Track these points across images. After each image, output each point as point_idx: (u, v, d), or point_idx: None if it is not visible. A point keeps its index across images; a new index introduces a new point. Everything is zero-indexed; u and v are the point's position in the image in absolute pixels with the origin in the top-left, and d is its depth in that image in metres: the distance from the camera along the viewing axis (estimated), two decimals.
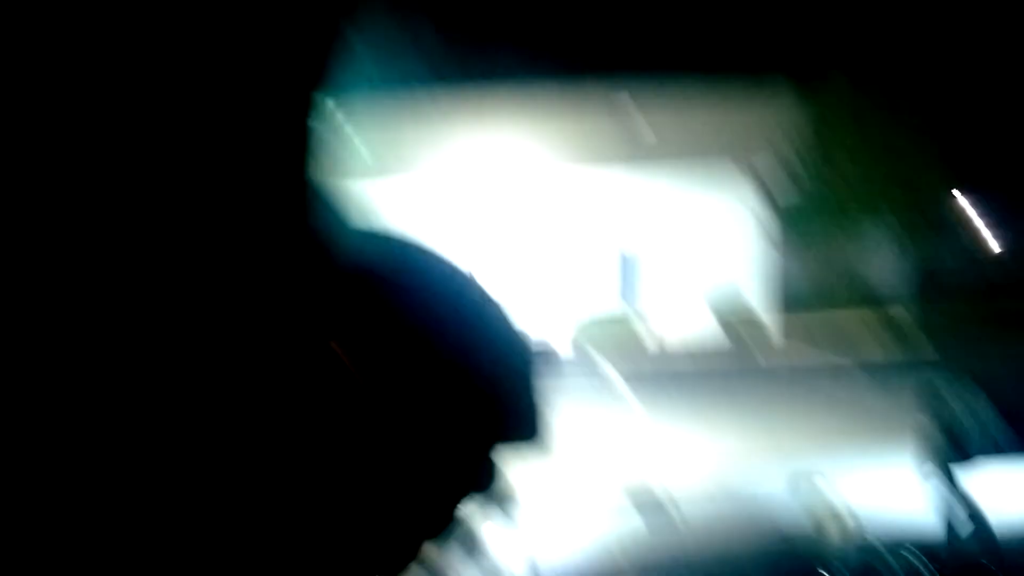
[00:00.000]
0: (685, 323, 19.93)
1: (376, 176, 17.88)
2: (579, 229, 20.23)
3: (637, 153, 19.73)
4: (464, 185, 19.85)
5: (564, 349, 19.27)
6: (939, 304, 19.99)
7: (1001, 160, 20.32)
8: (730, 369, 16.57)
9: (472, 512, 0.87)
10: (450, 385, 0.84)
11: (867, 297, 19.67)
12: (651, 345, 19.70)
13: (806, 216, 19.82)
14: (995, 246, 21.64)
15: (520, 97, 19.55)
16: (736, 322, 19.96)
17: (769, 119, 19.43)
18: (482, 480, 0.86)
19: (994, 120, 19.73)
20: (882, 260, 21.71)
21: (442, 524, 0.86)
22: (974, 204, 21.88)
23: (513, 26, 20.15)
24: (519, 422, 0.89)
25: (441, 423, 0.83)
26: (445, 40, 19.26)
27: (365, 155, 17.68)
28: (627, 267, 20.63)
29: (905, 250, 20.96)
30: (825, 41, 19.26)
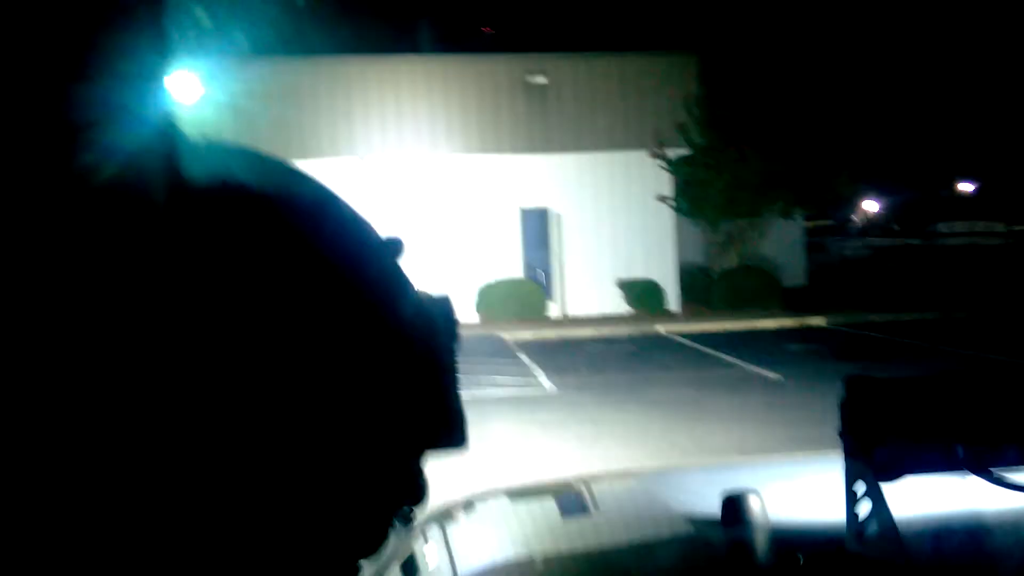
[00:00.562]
0: (590, 293, 20.92)
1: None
2: (485, 199, 21.06)
3: (549, 143, 20.65)
4: (372, 164, 20.63)
5: (468, 314, 19.98)
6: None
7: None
8: (633, 339, 16.79)
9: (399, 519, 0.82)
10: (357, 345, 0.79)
11: (764, 274, 21.00)
12: (554, 313, 20.41)
13: (703, 194, 21.22)
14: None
15: (430, 69, 20.53)
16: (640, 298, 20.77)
17: (671, 97, 20.88)
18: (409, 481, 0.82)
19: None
20: (775, 238, 23.08)
21: (376, 534, 0.81)
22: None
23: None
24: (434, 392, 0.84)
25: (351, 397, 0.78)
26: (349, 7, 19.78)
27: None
28: (533, 235, 21.36)
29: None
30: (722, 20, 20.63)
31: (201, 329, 0.69)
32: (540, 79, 21.18)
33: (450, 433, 0.87)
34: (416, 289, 0.85)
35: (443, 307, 0.85)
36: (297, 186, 0.82)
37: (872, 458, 1.37)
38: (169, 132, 0.74)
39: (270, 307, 0.72)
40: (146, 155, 0.71)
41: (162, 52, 0.75)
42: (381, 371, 0.78)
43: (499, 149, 21.21)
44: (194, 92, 16.74)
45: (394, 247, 0.85)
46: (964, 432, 1.40)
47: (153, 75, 0.72)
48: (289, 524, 0.74)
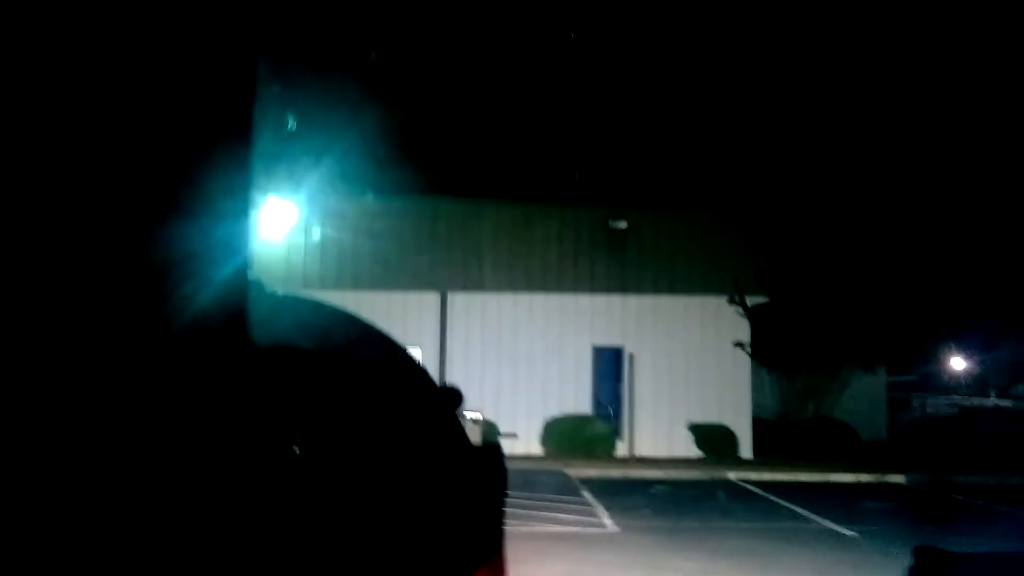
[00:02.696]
0: (659, 434, 20.52)
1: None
2: (560, 336, 21.29)
3: (626, 284, 20.73)
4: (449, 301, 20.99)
5: (533, 447, 19.72)
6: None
7: None
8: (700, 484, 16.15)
9: None
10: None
11: (842, 426, 20.30)
12: (621, 452, 20.01)
13: (781, 343, 21.18)
14: None
15: (516, 212, 21.15)
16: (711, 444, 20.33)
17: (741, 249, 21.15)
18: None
19: None
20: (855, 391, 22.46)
21: None
22: None
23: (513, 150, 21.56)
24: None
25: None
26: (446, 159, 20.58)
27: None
28: (605, 373, 21.24)
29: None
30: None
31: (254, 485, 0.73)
32: (621, 224, 21.52)
33: None
34: (469, 441, 0.89)
35: (495, 458, 0.88)
36: (361, 343, 0.87)
37: None
38: (245, 284, 0.79)
39: (326, 464, 0.76)
40: (223, 305, 0.76)
41: (249, 191, 0.82)
42: (432, 522, 0.81)
43: (577, 288, 21.45)
44: (292, 226, 17.47)
45: (453, 398, 0.90)
46: None
47: (241, 213, 0.78)
48: None
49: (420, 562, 0.80)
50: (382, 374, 0.85)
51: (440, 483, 0.84)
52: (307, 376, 0.81)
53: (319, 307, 0.88)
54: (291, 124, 14.40)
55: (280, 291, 0.88)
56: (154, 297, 0.72)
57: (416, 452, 0.84)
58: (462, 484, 0.85)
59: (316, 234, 19.93)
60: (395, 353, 0.91)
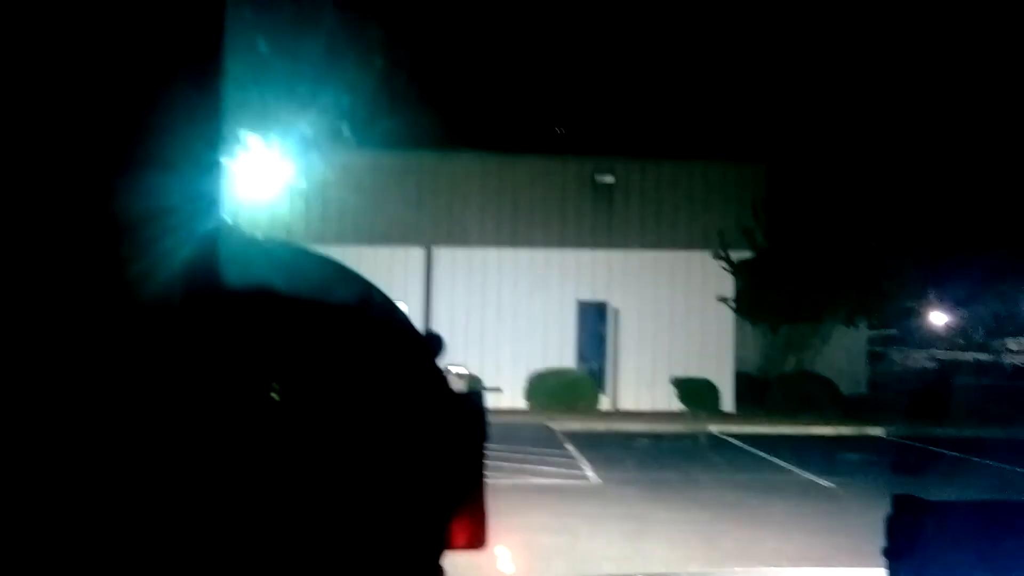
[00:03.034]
0: (642, 388, 20.71)
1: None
2: (545, 291, 21.28)
3: (612, 239, 20.83)
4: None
5: (517, 401, 19.95)
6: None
7: None
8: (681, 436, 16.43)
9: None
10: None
11: (822, 380, 20.54)
12: (605, 406, 20.19)
13: (764, 298, 21.19)
14: None
15: (502, 166, 21.07)
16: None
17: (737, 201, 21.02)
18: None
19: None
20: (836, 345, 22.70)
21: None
22: None
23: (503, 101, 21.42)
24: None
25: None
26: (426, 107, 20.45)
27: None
28: (589, 328, 21.35)
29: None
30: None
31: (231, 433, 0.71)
32: (608, 178, 21.47)
33: (472, 530, 0.88)
34: (450, 387, 0.88)
35: (475, 405, 0.88)
36: (338, 286, 0.85)
37: None
38: (218, 233, 0.75)
39: (301, 409, 0.75)
40: (198, 255, 0.72)
41: (219, 135, 0.77)
42: (409, 467, 0.80)
43: (562, 243, 21.44)
44: (275, 180, 17.30)
45: (434, 344, 0.89)
46: (1013, 562, 1.37)
47: (206, 168, 0.73)
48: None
49: (399, 505, 0.81)
50: (359, 317, 0.85)
51: (419, 427, 0.84)
52: (282, 320, 0.80)
53: (296, 250, 0.87)
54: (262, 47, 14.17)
55: (260, 236, 0.86)
56: (120, 254, 0.69)
57: (395, 396, 0.84)
58: (441, 428, 0.85)
59: (300, 189, 19.78)
60: (373, 297, 0.90)
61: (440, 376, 0.78)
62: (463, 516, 0.77)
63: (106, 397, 0.71)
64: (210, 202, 0.73)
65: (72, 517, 0.68)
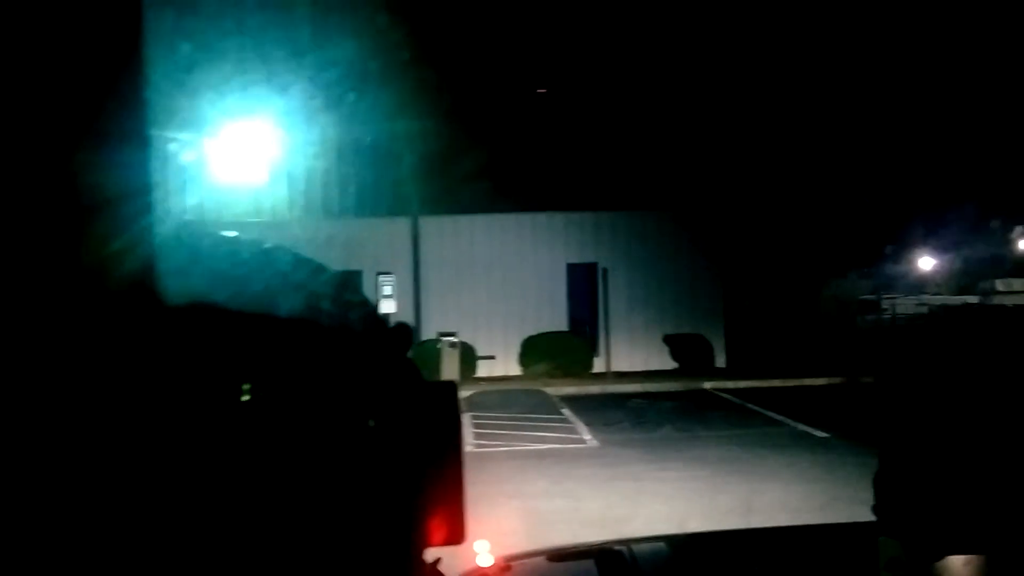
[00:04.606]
0: (636, 348, 20.76)
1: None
2: (534, 254, 21.40)
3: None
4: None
5: (511, 367, 20.06)
6: None
7: None
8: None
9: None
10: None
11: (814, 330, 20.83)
12: (598, 367, 20.30)
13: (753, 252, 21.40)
14: None
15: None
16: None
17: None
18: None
19: None
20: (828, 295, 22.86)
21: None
22: None
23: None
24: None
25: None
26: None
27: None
28: (579, 289, 21.40)
29: None
30: None
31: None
32: None
33: (449, 528, 0.87)
34: (419, 378, 0.87)
35: (449, 399, 0.86)
36: (285, 289, 0.81)
37: (908, 536, 1.37)
38: (150, 232, 0.71)
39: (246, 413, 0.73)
40: (125, 262, 0.68)
41: (143, 121, 0.71)
42: (377, 467, 0.78)
43: (549, 207, 21.37)
44: (258, 155, 17.15)
45: (402, 336, 0.87)
46: (1005, 511, 1.38)
47: (137, 135, 0.67)
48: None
49: (368, 507, 0.79)
50: (309, 324, 0.82)
51: (385, 424, 0.82)
52: (222, 336, 0.76)
53: (238, 246, 0.82)
54: None
55: (204, 230, 0.82)
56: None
57: (359, 395, 0.82)
58: (409, 424, 0.84)
59: (282, 162, 19.60)
60: (323, 296, 0.86)
61: (409, 368, 0.77)
62: (440, 512, 0.77)
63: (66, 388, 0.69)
64: (141, 185, 0.65)
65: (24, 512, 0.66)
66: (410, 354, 0.89)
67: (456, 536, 0.89)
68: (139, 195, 0.72)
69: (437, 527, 0.86)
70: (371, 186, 20.84)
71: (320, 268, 0.85)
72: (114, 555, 0.69)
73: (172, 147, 13.78)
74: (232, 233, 0.88)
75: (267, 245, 0.86)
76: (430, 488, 0.87)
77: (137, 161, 0.70)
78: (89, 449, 0.69)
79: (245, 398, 0.77)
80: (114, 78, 0.69)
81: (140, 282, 0.72)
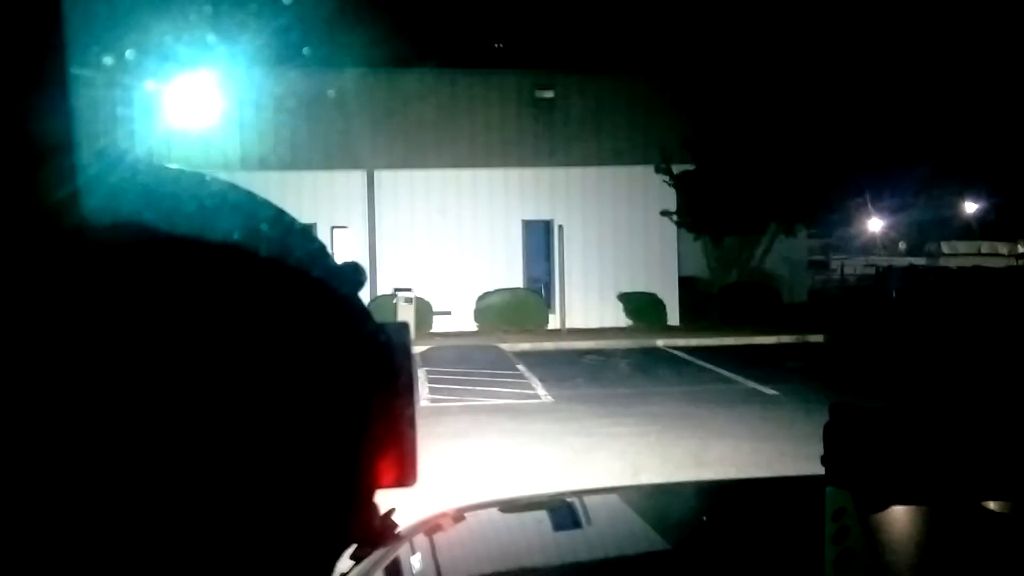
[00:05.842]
0: (590, 305, 20.99)
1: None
2: (489, 210, 21.32)
3: (554, 156, 21.10)
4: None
5: (467, 322, 20.19)
6: None
7: None
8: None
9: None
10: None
11: (764, 290, 21.21)
12: (553, 324, 20.50)
13: (706, 209, 21.51)
14: None
15: (439, 83, 20.79)
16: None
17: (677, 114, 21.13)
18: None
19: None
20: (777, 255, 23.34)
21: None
22: None
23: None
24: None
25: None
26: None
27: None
28: (535, 246, 21.58)
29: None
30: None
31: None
32: (548, 93, 21.29)
33: (399, 469, 0.86)
34: (371, 320, 0.85)
35: (398, 338, 0.84)
36: (220, 211, 0.78)
37: (855, 487, 1.39)
38: (72, 164, 0.69)
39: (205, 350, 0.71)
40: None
41: (63, 64, 0.68)
42: (328, 403, 0.77)
43: (505, 163, 21.30)
44: (208, 105, 16.76)
45: (351, 275, 0.84)
46: (949, 463, 1.42)
47: (54, 75, 0.66)
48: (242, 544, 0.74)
49: (313, 450, 0.78)
50: (247, 252, 0.79)
51: (328, 366, 0.80)
52: (149, 258, 0.74)
53: (171, 172, 0.80)
54: None
55: (148, 163, 0.80)
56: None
57: (301, 334, 0.79)
58: (356, 365, 0.82)
59: (234, 113, 19.22)
60: (262, 224, 0.83)
61: (356, 309, 0.75)
62: (388, 454, 0.76)
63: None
64: (58, 124, 0.64)
65: None
66: (363, 296, 0.87)
67: (406, 477, 0.88)
68: (74, 143, 0.70)
69: (387, 468, 0.85)
70: (325, 138, 20.56)
71: (256, 195, 0.82)
72: (55, 495, 0.67)
73: (119, 95, 13.42)
74: (172, 166, 0.85)
75: (204, 175, 0.83)
76: (380, 428, 0.85)
77: (65, 108, 0.68)
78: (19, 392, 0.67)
79: (176, 325, 0.75)
80: (32, 19, 0.67)
81: (85, 225, 0.70)
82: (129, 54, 12.95)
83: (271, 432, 0.75)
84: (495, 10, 21.47)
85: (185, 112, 16.36)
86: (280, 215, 0.81)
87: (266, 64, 18.51)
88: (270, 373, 0.74)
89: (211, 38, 15.63)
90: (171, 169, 0.78)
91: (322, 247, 0.88)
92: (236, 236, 0.77)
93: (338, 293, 0.89)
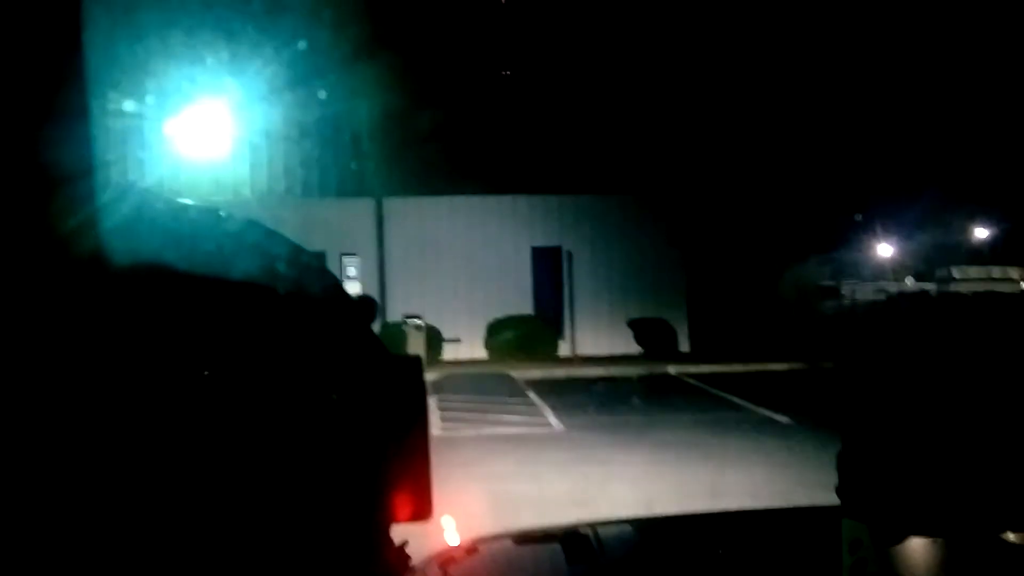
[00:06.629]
0: (600, 332, 20.90)
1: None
2: (498, 238, 21.45)
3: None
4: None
5: (477, 351, 20.17)
6: None
7: None
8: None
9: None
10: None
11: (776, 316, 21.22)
12: (564, 351, 20.45)
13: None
14: None
15: None
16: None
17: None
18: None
19: None
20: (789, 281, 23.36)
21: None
22: None
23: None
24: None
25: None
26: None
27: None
28: (544, 274, 21.52)
29: None
30: None
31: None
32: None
33: (415, 504, 0.87)
34: (385, 353, 0.85)
35: (412, 372, 0.85)
36: (237, 254, 0.79)
37: (871, 519, 1.38)
38: (94, 201, 0.70)
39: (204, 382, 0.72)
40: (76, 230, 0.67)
41: (85, 98, 0.69)
42: (345, 441, 0.77)
43: (514, 190, 21.36)
44: (220, 135, 16.93)
45: (366, 309, 0.85)
46: (967, 494, 1.40)
47: (78, 107, 0.67)
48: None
49: (333, 483, 0.79)
50: (265, 290, 0.80)
51: (348, 398, 0.81)
52: (171, 297, 0.75)
53: (189, 210, 0.81)
54: None
55: (157, 194, 0.81)
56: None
57: (323, 367, 0.80)
58: (374, 398, 0.83)
59: (246, 144, 19.38)
60: (279, 259, 0.84)
61: (373, 342, 0.75)
62: (405, 488, 0.76)
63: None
64: (84, 157, 0.66)
65: None
66: (375, 329, 0.87)
67: (422, 512, 0.88)
68: (91, 171, 0.72)
69: (403, 503, 0.86)
70: (335, 167, 20.68)
71: (274, 232, 0.83)
72: (72, 511, 0.68)
73: (131, 124, 13.56)
74: (186, 200, 0.87)
75: (221, 211, 0.84)
76: (395, 463, 0.86)
77: (84, 137, 0.70)
78: (48, 411, 0.69)
79: (198, 363, 0.76)
80: (56, 58, 0.69)
81: (100, 252, 0.72)
82: (144, 84, 13.10)
83: (289, 470, 0.76)
84: (506, 43, 21.65)
85: (197, 141, 16.51)
86: (296, 253, 0.82)
87: (279, 94, 18.69)
88: (287, 413, 0.75)
89: (223, 68, 15.81)
90: (186, 204, 0.79)
91: (337, 282, 0.89)
92: (254, 275, 0.78)
93: (352, 329, 0.90)
